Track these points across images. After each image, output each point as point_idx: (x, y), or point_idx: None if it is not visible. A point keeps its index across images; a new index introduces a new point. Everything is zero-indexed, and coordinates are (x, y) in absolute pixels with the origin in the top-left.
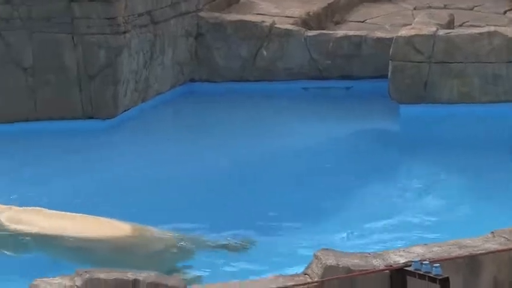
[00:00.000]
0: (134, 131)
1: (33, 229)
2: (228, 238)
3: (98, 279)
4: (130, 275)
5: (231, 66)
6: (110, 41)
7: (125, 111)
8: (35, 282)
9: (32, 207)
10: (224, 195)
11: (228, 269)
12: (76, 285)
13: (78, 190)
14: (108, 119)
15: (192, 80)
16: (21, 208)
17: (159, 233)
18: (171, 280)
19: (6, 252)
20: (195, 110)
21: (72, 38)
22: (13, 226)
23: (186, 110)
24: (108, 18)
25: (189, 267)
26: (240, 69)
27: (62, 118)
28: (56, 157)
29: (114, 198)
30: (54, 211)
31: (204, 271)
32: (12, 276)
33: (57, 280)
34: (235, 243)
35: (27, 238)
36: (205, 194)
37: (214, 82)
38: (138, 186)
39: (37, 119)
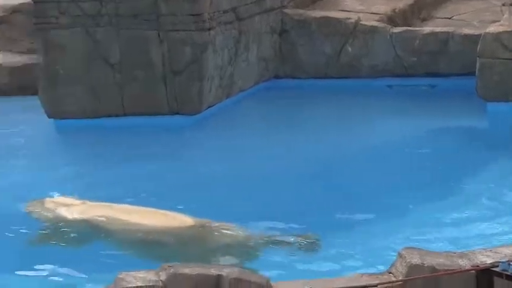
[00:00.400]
0: (218, 126)
1: (102, 223)
2: (297, 235)
3: (182, 274)
4: (213, 270)
5: (315, 62)
6: (195, 38)
7: (209, 107)
8: (120, 276)
9: (103, 202)
10: (300, 192)
11: (293, 266)
12: (161, 280)
13: (162, 184)
14: (193, 114)
15: (276, 77)
16: (93, 203)
17: (226, 227)
18: (253, 276)
19: (75, 244)
20: (278, 106)
21: (158, 35)
22: (85, 220)
23: (269, 106)
24: (193, 15)
25: (253, 263)
26: (324, 65)
27: (148, 114)
28: (140, 152)
29: (196, 192)
30: (122, 205)
31: (269, 268)
32: (82, 267)
33: (142, 274)
34: (304, 240)
35: (96, 231)
36: (282, 190)
37: (298, 78)
38: (220, 181)
39: (124, 115)
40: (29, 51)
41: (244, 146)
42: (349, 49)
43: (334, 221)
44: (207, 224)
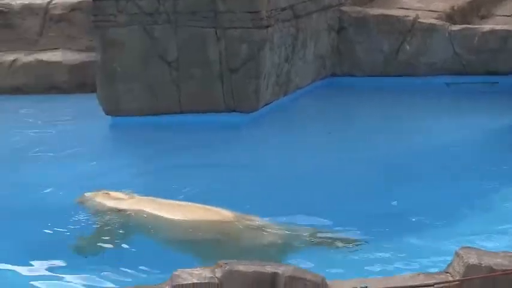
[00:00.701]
0: (275, 124)
1: (146, 217)
2: (343, 235)
3: (238, 271)
4: (269, 268)
5: (372, 60)
6: (252, 35)
7: (266, 104)
8: (176, 273)
9: (149, 197)
10: (353, 192)
11: (341, 266)
12: (216, 277)
13: (214, 181)
14: (249, 112)
15: (333, 74)
16: (140, 197)
17: (269, 225)
18: (309, 274)
19: (117, 238)
20: (335, 104)
21: (216, 32)
22: (129, 214)
23: (326, 104)
24: (251, 12)
25: (297, 261)
26: (382, 63)
27: (205, 111)
28: (196, 150)
29: (249, 189)
30: (167, 200)
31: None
32: (122, 263)
33: (198, 271)
34: (350, 240)
35: (139, 225)
36: (335, 189)
37: (355, 76)
38: (273, 178)
39: (180, 112)
40: (88, 49)
41: (300, 143)
42: (407, 47)
43: (385, 222)
44: (249, 221)
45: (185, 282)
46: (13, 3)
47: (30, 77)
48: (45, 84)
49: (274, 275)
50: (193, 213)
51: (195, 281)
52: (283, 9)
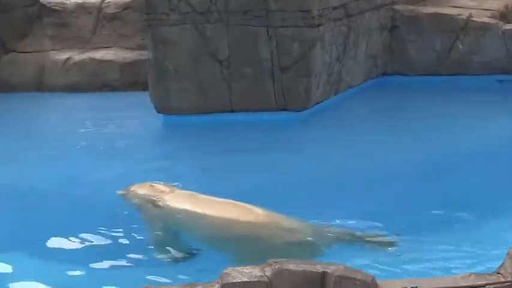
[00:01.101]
0: (325, 123)
1: (179, 212)
2: (381, 234)
3: (287, 270)
4: (319, 267)
5: (424, 59)
6: (304, 34)
7: (317, 103)
8: (226, 271)
9: (189, 191)
10: (402, 191)
11: (385, 267)
12: (266, 275)
13: (263, 179)
14: (300, 111)
15: (385, 73)
16: (180, 191)
17: (301, 225)
18: (359, 273)
19: (159, 231)
20: (387, 103)
21: (267, 31)
22: (166, 207)
23: (378, 103)
24: (302, 11)
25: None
26: (434, 62)
27: (255, 110)
28: (246, 148)
29: (296, 188)
30: (204, 196)
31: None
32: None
33: (248, 269)
34: (382, 240)
35: (172, 219)
36: (384, 189)
37: (407, 75)
38: (321, 178)
39: (231, 111)
40: (139, 48)
41: (351, 143)
42: (460, 46)
43: (434, 222)
44: (282, 220)
45: (235, 281)
46: (67, 2)
47: (83, 75)
48: (97, 82)
49: (324, 274)
50: (225, 210)
51: (245, 279)
52: (335, 8)
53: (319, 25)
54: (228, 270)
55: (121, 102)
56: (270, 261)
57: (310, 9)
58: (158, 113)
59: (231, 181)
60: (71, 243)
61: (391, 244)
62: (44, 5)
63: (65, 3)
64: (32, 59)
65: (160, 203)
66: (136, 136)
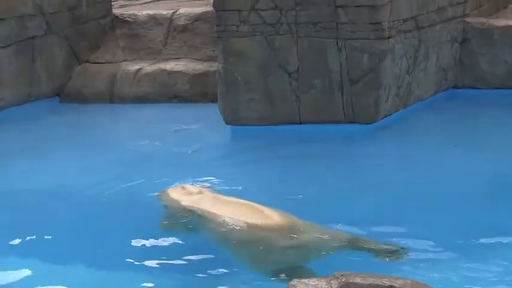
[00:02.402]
0: (394, 136)
1: (199, 213)
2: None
3: (354, 283)
4: (386, 281)
5: (496, 72)
6: (373, 46)
7: (385, 116)
8: (292, 283)
9: (214, 193)
10: (462, 210)
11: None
12: None
13: (329, 192)
14: (368, 123)
15: (455, 87)
16: (208, 192)
17: (316, 228)
18: None
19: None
20: (457, 117)
21: (337, 43)
22: (187, 208)
23: (447, 116)
24: (373, 23)
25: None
26: (506, 75)
27: (323, 122)
28: (313, 159)
29: (356, 201)
30: (229, 198)
31: None
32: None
33: (314, 282)
34: (393, 249)
35: (192, 220)
36: (443, 206)
37: (478, 88)
38: (384, 190)
39: (300, 122)
40: (209, 59)
41: (419, 156)
42: None
43: (491, 242)
44: (297, 226)
45: None
46: (139, 13)
47: (153, 86)
48: (167, 93)
49: None
50: (234, 211)
51: None
52: (406, 20)
53: (389, 37)
54: (294, 282)
55: (190, 112)
56: (336, 273)
57: (380, 22)
58: (227, 124)
59: (295, 192)
60: (131, 248)
61: (398, 255)
62: (116, 16)
63: (137, 14)
64: (104, 69)
65: (182, 203)
66: (204, 146)
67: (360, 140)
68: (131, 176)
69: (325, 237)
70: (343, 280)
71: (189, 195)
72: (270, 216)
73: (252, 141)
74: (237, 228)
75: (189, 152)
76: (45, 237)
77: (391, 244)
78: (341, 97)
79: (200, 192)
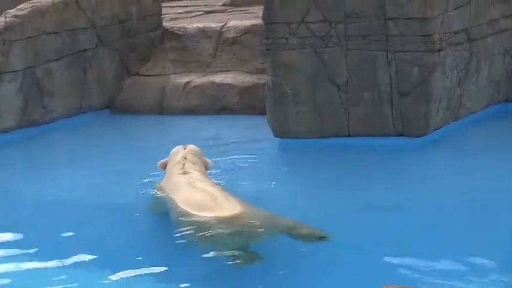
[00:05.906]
0: (444, 149)
1: (168, 193)
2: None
3: None
4: None
5: None
6: (424, 59)
7: (436, 129)
8: None
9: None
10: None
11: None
12: None
13: (373, 206)
14: (418, 136)
15: (508, 100)
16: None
17: (263, 215)
18: None
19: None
20: (509, 131)
21: (387, 56)
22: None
23: (499, 130)
24: (423, 36)
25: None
26: None
27: (373, 135)
28: (362, 172)
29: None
30: (209, 187)
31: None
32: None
33: None
34: (317, 232)
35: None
36: (485, 224)
37: None
38: (440, 206)
39: (348, 135)
40: (258, 71)
41: (471, 171)
42: None
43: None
44: (248, 214)
45: None
46: (189, 26)
47: (202, 98)
48: (216, 105)
49: None
50: (196, 200)
51: None
52: (457, 32)
53: (440, 50)
54: None
55: (239, 125)
56: (386, 287)
57: (431, 34)
58: (275, 136)
59: (342, 205)
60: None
61: (322, 238)
62: (166, 29)
63: (186, 27)
64: (154, 82)
65: (163, 186)
66: (252, 158)
67: (409, 153)
68: None
69: (268, 223)
70: None
71: (182, 173)
72: (220, 204)
73: (300, 153)
74: (190, 214)
75: (239, 165)
76: (100, 252)
77: (321, 230)
78: (390, 110)
79: (188, 171)
